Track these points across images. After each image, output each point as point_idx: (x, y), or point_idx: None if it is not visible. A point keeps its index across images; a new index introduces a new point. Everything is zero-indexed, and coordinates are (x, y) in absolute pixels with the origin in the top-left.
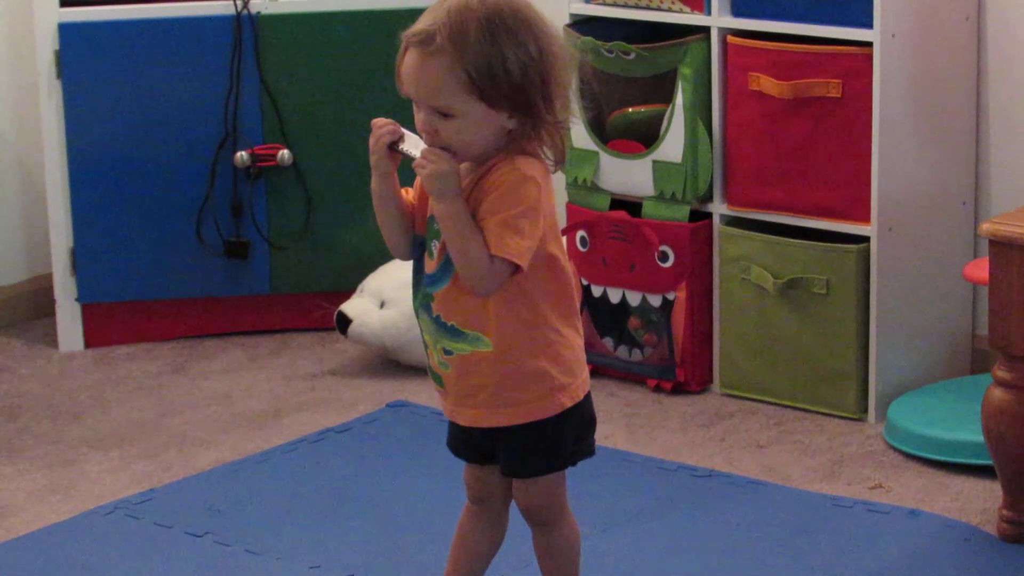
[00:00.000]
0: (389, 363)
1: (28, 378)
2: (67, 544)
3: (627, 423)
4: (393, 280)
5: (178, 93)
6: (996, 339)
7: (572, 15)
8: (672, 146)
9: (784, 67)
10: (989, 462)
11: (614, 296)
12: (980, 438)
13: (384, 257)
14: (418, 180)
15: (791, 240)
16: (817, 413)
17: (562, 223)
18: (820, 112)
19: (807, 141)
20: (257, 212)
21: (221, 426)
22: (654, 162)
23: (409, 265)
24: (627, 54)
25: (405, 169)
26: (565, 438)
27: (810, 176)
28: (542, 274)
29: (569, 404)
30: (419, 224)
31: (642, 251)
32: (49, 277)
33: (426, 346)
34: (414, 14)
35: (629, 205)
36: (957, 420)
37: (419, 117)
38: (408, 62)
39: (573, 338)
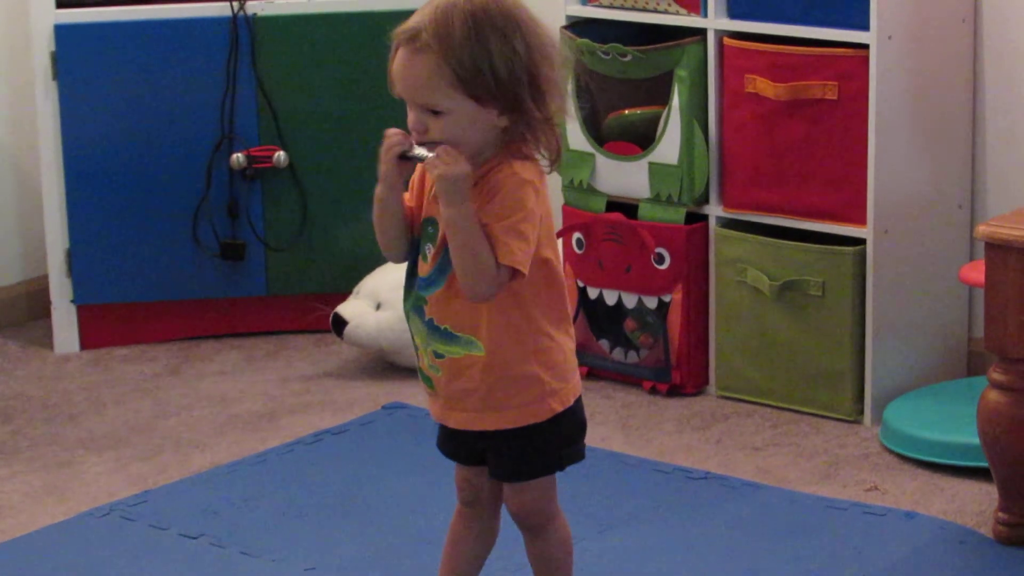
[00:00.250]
0: (385, 365)
1: (24, 380)
2: (62, 546)
3: (623, 425)
4: (389, 282)
5: (174, 95)
6: (992, 341)
7: (568, 17)
8: (668, 148)
9: (780, 69)
10: (985, 464)
11: (610, 298)
12: (976, 440)
13: (380, 259)
14: (413, 181)
15: (787, 242)
16: (813, 415)
17: (558, 225)
18: (816, 114)
19: (803, 143)
20: (253, 214)
21: (217, 428)
22: (650, 164)
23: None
24: (623, 56)
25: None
26: (555, 443)
27: (806, 178)
28: (536, 278)
29: (560, 409)
30: (415, 226)
31: (638, 253)
32: (45, 279)
33: (416, 348)
34: (410, 16)
35: (625, 207)
36: (953, 422)
37: (411, 116)
38: (397, 60)
39: (565, 343)
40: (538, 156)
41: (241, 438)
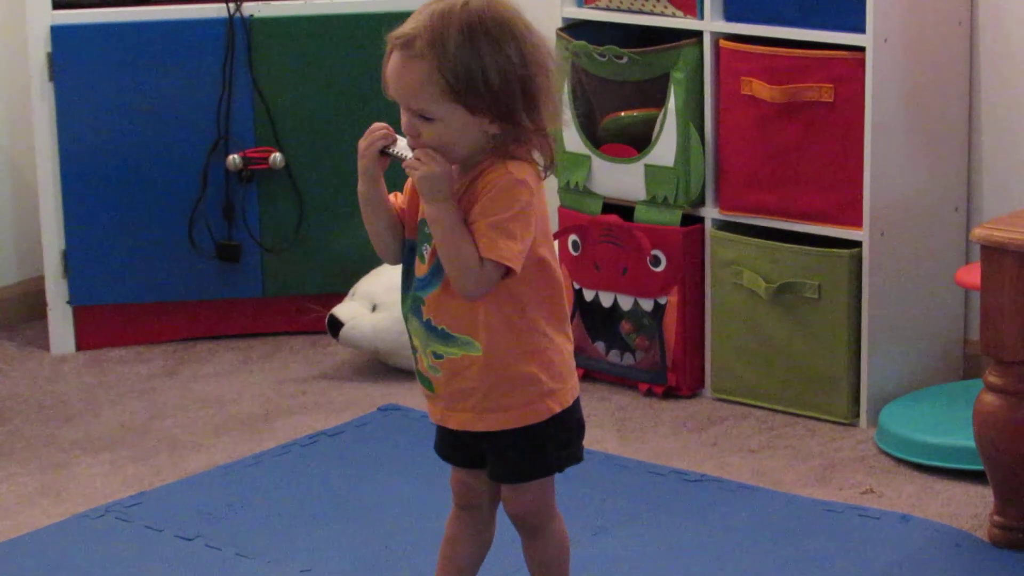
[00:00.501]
0: (381, 367)
1: (19, 380)
2: (57, 547)
3: (618, 427)
4: (385, 284)
5: (171, 96)
6: (988, 344)
7: (564, 19)
8: (664, 150)
9: (776, 72)
10: (980, 467)
11: (606, 300)
12: (971, 443)
13: (376, 261)
14: (408, 185)
15: (783, 245)
16: (809, 418)
17: (554, 227)
18: (812, 117)
19: (799, 146)
20: (249, 215)
21: (212, 429)
22: (646, 166)
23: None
24: (620, 58)
25: (397, 174)
26: (554, 444)
27: (802, 181)
28: (533, 278)
29: (558, 410)
30: (409, 229)
31: (634, 255)
32: (41, 279)
33: (415, 350)
34: (406, 18)
35: (621, 209)
36: (948, 425)
37: (404, 119)
38: (391, 64)
39: (563, 343)
40: (533, 159)
41: (237, 439)
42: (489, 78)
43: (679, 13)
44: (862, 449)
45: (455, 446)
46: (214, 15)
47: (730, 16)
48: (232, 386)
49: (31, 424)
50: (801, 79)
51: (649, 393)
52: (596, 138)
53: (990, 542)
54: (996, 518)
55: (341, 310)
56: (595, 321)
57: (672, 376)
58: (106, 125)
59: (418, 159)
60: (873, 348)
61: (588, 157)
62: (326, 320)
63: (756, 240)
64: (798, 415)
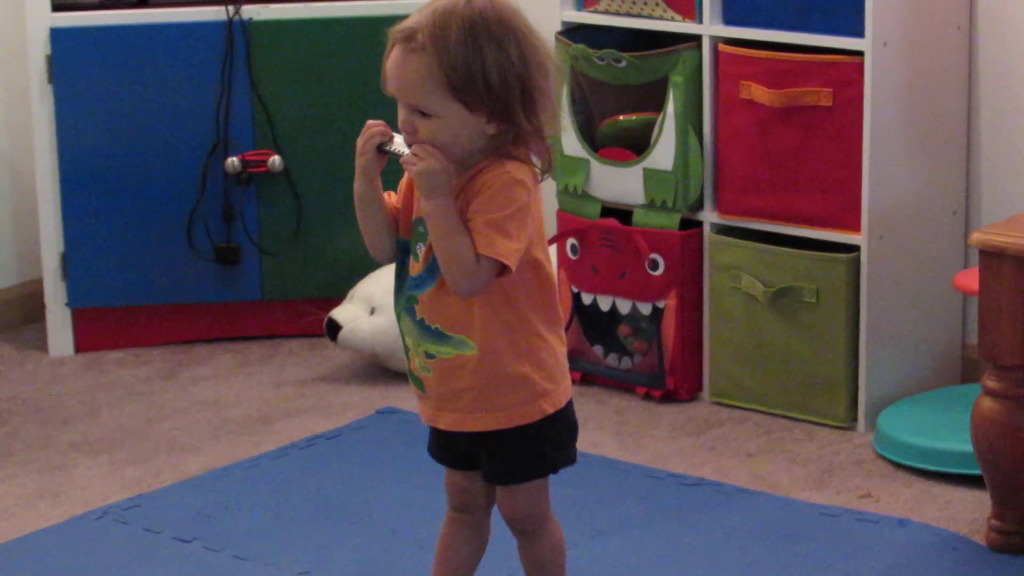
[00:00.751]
0: (379, 369)
1: (18, 383)
2: (56, 549)
3: (616, 431)
4: (383, 286)
5: (169, 98)
6: (986, 349)
7: (564, 22)
8: (663, 154)
9: (775, 76)
10: (978, 472)
11: (604, 304)
12: (969, 448)
13: (374, 263)
14: (402, 183)
15: (782, 249)
16: (807, 422)
17: (552, 231)
18: (811, 121)
19: (798, 150)
20: (248, 218)
21: (211, 432)
22: (645, 170)
23: None
24: (618, 62)
25: (390, 173)
26: (547, 445)
27: (801, 185)
28: (527, 280)
29: (551, 411)
30: (403, 228)
31: (632, 259)
32: (39, 282)
33: (407, 349)
34: (389, 30)
35: (620, 213)
36: (946, 430)
37: (401, 115)
38: (391, 59)
39: (556, 345)
40: (531, 161)
41: (235, 442)
42: (489, 76)
43: (678, 17)
44: (860, 453)
45: (448, 448)
46: (213, 18)
47: (729, 20)
48: (230, 388)
49: (29, 426)
50: (800, 83)
51: (647, 397)
52: (595, 142)
53: (987, 546)
54: (994, 522)
55: (339, 313)
56: (593, 325)
57: (670, 380)
58: (105, 127)
59: (416, 154)
60: (871, 352)
61: (587, 161)
62: (324, 323)
63: (755, 244)
64: (796, 419)
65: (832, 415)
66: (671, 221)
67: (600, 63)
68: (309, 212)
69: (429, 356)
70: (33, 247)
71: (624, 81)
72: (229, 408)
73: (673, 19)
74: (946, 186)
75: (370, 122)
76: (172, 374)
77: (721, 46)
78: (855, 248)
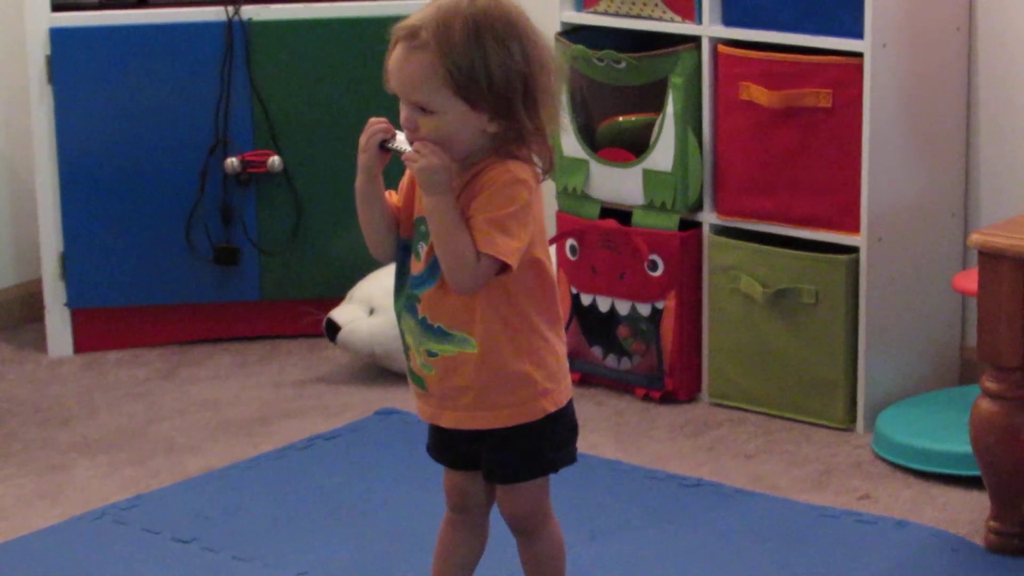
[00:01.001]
0: (378, 370)
1: (17, 383)
2: (54, 549)
3: (615, 432)
4: (382, 287)
5: (169, 99)
6: (984, 350)
7: (563, 23)
8: (662, 155)
9: (774, 77)
10: (977, 473)
11: (603, 305)
12: (968, 449)
13: (374, 264)
14: (403, 183)
15: (781, 250)
16: (805, 423)
17: (552, 231)
18: (810, 122)
19: (797, 151)
20: (247, 218)
21: (209, 432)
22: (644, 171)
23: None
24: (618, 63)
25: (390, 172)
26: (548, 445)
27: (800, 186)
28: (528, 279)
29: (552, 410)
30: (404, 227)
31: (632, 260)
32: (39, 282)
33: (407, 348)
34: (392, 28)
35: (619, 214)
36: (945, 431)
37: (403, 112)
38: (394, 56)
39: (557, 344)
40: (533, 161)
41: (234, 443)
42: (492, 74)
43: (677, 18)
44: (859, 454)
45: (448, 448)
46: (213, 18)
47: (728, 21)
48: (229, 389)
49: (28, 426)
50: (799, 84)
51: (646, 398)
52: (594, 143)
53: (986, 548)
54: (992, 524)
55: (338, 314)
56: (592, 325)
57: (669, 381)
58: (104, 128)
59: (418, 151)
60: (870, 353)
61: (586, 162)
62: (323, 324)
63: (754, 245)
64: (795, 420)
65: (831, 416)
66: (670, 222)
67: (599, 64)
68: (308, 213)
69: (431, 354)
70: (32, 247)
71: (623, 82)
72: (228, 409)
73: (672, 20)
74: (945, 187)
75: (373, 119)
76: (171, 375)
77: (720, 47)
78: (854, 249)
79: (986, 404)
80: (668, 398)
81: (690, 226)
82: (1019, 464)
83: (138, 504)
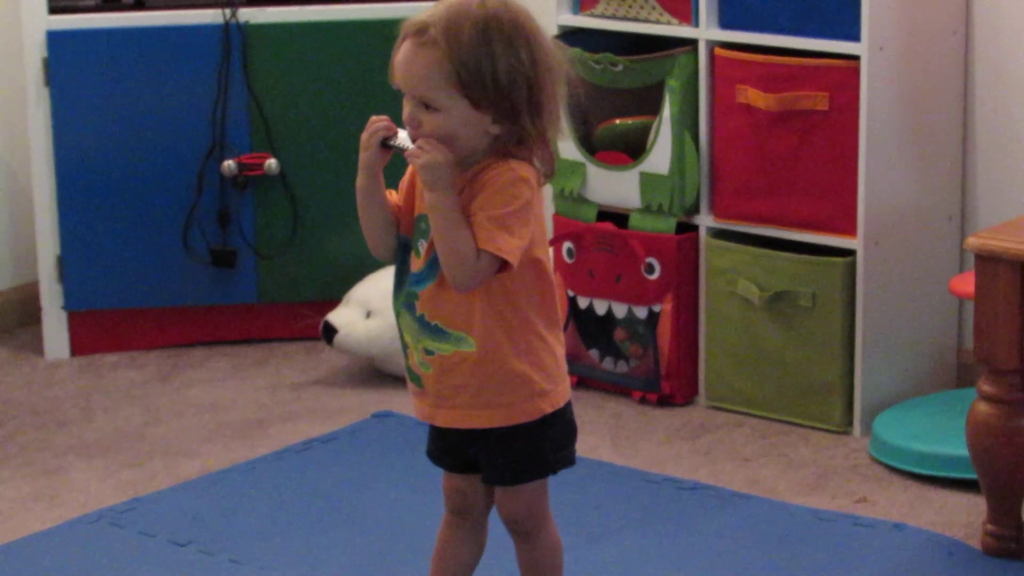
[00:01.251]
0: (375, 373)
1: (14, 386)
2: (51, 552)
3: (612, 435)
4: (379, 290)
5: (166, 101)
6: (981, 353)
7: (560, 26)
8: (659, 158)
9: (771, 80)
10: (974, 476)
11: (600, 308)
12: (965, 452)
13: (371, 267)
14: (403, 182)
15: (777, 253)
16: (802, 426)
17: (549, 234)
18: (807, 125)
19: (794, 154)
20: (244, 221)
21: (206, 435)
22: (641, 174)
23: None
24: (615, 66)
25: (390, 171)
26: (546, 445)
27: (797, 189)
28: (528, 279)
29: (550, 411)
30: (404, 226)
31: (628, 263)
32: (36, 285)
33: (405, 346)
34: (400, 24)
35: (616, 217)
36: (942, 434)
37: (406, 109)
38: (402, 51)
39: (555, 346)
40: (534, 162)
41: (230, 446)
42: (498, 75)
43: (674, 21)
44: (855, 457)
45: (448, 450)
46: (210, 21)
47: (725, 24)
48: (226, 392)
49: (25, 429)
50: (796, 87)
51: (643, 401)
52: (591, 145)
53: (983, 551)
54: (989, 527)
55: (335, 316)
56: (589, 329)
57: (666, 384)
58: (101, 130)
59: (421, 147)
60: (867, 357)
61: (583, 164)
62: (320, 326)
63: (750, 248)
64: (792, 423)
65: (828, 419)
66: (667, 225)
67: (596, 67)
68: (305, 215)
69: (428, 353)
70: (29, 250)
71: (620, 85)
72: (225, 411)
73: (669, 23)
74: (942, 190)
75: (374, 117)
76: (168, 377)
77: (717, 50)
78: (851, 252)
79: (983, 407)
80: (665, 401)
81: (687, 229)
82: (1015, 467)
83: (135, 507)
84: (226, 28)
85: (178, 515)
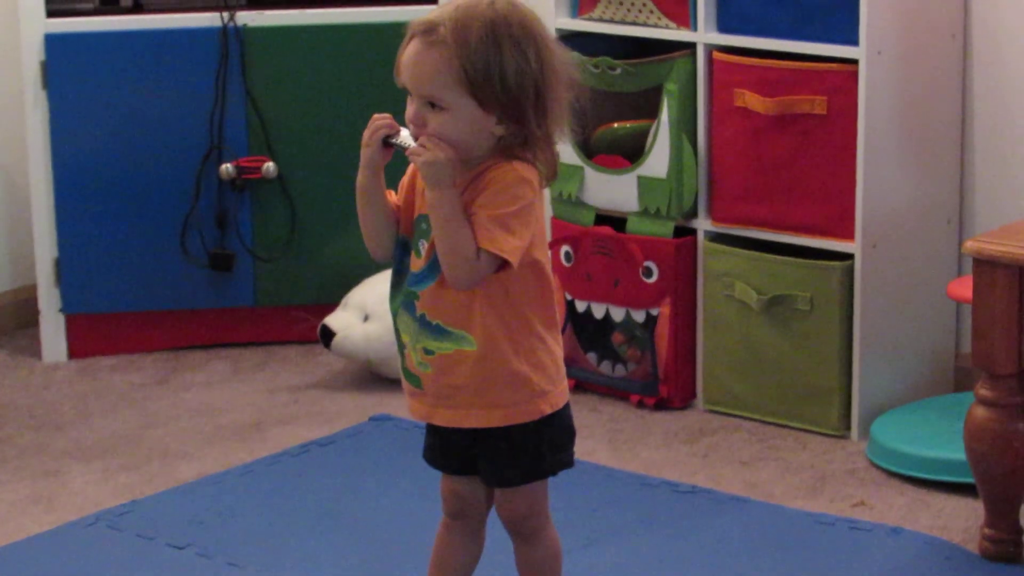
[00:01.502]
0: (372, 376)
1: (11, 388)
2: (49, 555)
3: (610, 439)
4: (377, 294)
5: (164, 105)
6: (979, 357)
7: (558, 30)
8: (657, 162)
9: (769, 84)
10: (971, 480)
11: (598, 311)
12: (962, 456)
13: (368, 270)
14: (403, 182)
15: (775, 256)
16: (800, 430)
17: (547, 237)
18: (805, 129)
19: (792, 158)
20: (242, 224)
21: (204, 438)
22: (639, 177)
23: None
24: (613, 69)
25: (390, 171)
26: (545, 446)
27: (795, 193)
28: (527, 279)
29: (549, 411)
30: (404, 226)
31: (626, 267)
32: (33, 287)
33: (403, 347)
34: (400, 27)
35: (614, 220)
36: (940, 438)
37: (410, 109)
38: (409, 50)
39: (554, 347)
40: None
41: (228, 449)
42: (505, 76)
43: (672, 25)
44: (853, 461)
45: (446, 453)
46: (208, 24)
47: (723, 28)
48: (224, 395)
49: (22, 432)
50: (794, 91)
51: (641, 404)
52: (589, 149)
53: (980, 555)
54: (986, 531)
55: (333, 320)
56: (587, 332)
57: (664, 387)
58: (99, 133)
59: (423, 145)
60: (865, 360)
61: (581, 168)
62: (318, 330)
63: (748, 252)
64: (789, 427)
65: (825, 423)
66: (665, 229)
67: (594, 71)
68: (303, 219)
69: (428, 352)
70: (27, 253)
71: (618, 89)
72: (222, 415)
73: (667, 27)
74: (940, 194)
75: (376, 115)
76: (165, 380)
77: (715, 54)
78: (849, 256)
79: (980, 411)
80: (663, 405)
81: (685, 233)
82: (1013, 471)
83: (132, 510)
84: (224, 31)
85: (176, 518)
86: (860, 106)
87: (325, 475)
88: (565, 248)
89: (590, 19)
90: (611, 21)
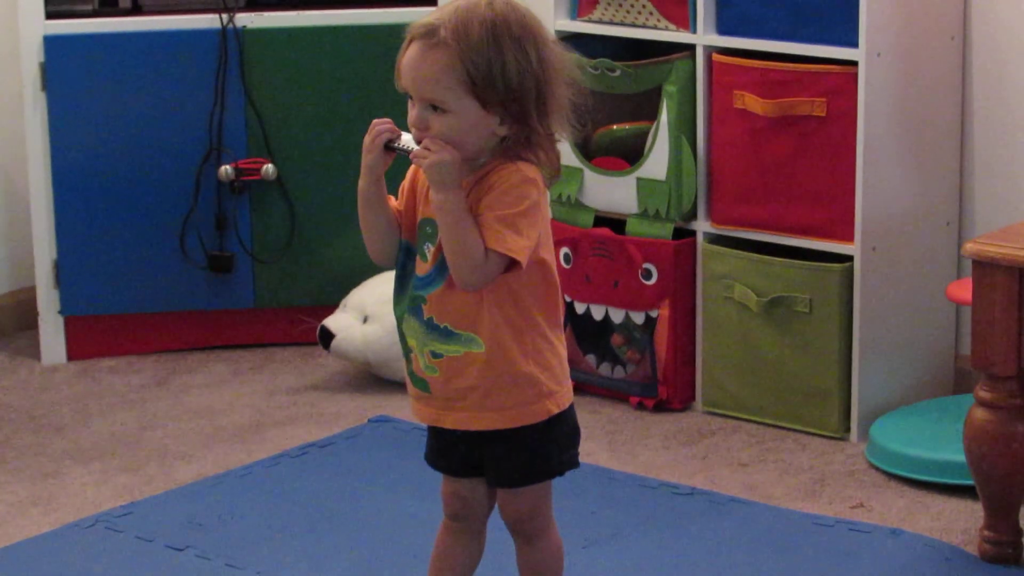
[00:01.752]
0: (371, 378)
1: (10, 390)
2: (47, 557)
3: (609, 440)
4: (376, 295)
5: (163, 106)
6: (978, 359)
7: (557, 31)
8: (656, 163)
9: (769, 85)
10: (971, 482)
11: (597, 313)
12: (962, 458)
13: (368, 272)
14: (404, 186)
15: (775, 258)
16: (799, 432)
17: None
18: (805, 131)
19: (791, 160)
20: (241, 226)
21: (203, 440)
22: (638, 179)
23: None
24: (612, 71)
25: (392, 175)
26: (551, 447)
27: (794, 195)
28: (533, 280)
29: (556, 411)
30: (406, 231)
31: (625, 268)
32: (32, 289)
33: (409, 351)
34: (398, 29)
35: (613, 222)
36: (939, 440)
37: (412, 113)
38: (409, 54)
39: (560, 347)
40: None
41: (227, 450)
42: (508, 76)
43: (672, 26)
44: (852, 463)
45: (449, 454)
46: (207, 26)
47: (723, 30)
48: (223, 397)
49: (22, 434)
50: (794, 93)
51: (640, 406)
52: (588, 151)
53: (980, 557)
54: (986, 533)
55: (332, 322)
56: (586, 334)
57: (663, 389)
58: (98, 135)
59: (427, 147)
60: (864, 362)
61: (580, 170)
62: (317, 331)
63: (748, 254)
64: (789, 429)
65: (825, 425)
66: (664, 230)
67: (594, 72)
68: (302, 220)
69: (435, 356)
70: (26, 255)
71: (618, 90)
72: (222, 416)
73: (667, 28)
74: (939, 196)
75: (377, 120)
76: (165, 382)
77: (715, 56)
78: (848, 258)
79: (980, 413)
80: (662, 406)
81: (684, 235)
82: (1012, 473)
83: (131, 511)
84: (223, 33)
85: (175, 520)
86: (859, 108)
87: (324, 477)
88: (564, 250)
89: (589, 21)
90: (610, 23)
